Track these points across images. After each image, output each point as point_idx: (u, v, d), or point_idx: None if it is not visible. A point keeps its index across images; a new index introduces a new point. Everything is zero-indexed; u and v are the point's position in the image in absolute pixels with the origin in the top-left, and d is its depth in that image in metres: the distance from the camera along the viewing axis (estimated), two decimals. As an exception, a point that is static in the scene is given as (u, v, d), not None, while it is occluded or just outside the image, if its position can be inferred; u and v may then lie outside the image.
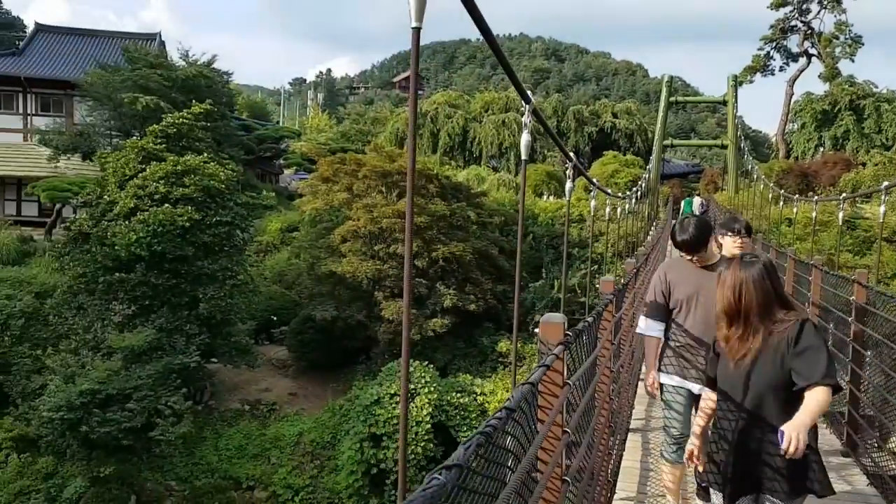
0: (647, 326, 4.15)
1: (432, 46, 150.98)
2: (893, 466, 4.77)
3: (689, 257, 4.02)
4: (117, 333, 16.25)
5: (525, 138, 3.25)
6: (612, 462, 4.39)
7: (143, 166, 18.54)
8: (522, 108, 3.69)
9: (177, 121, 20.59)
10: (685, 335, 4.03)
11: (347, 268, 19.35)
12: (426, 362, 17.16)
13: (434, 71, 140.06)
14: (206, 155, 19.49)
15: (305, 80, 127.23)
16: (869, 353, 5.69)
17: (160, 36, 38.52)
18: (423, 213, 20.00)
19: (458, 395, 16.46)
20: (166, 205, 17.33)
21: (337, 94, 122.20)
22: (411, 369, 16.29)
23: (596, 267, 19.71)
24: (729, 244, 4.48)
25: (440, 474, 0.92)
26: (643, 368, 4.24)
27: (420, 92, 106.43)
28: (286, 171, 46.89)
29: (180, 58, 33.35)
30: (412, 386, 15.93)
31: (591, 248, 11.69)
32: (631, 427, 5.66)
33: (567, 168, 5.80)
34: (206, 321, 17.80)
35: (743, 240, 4.52)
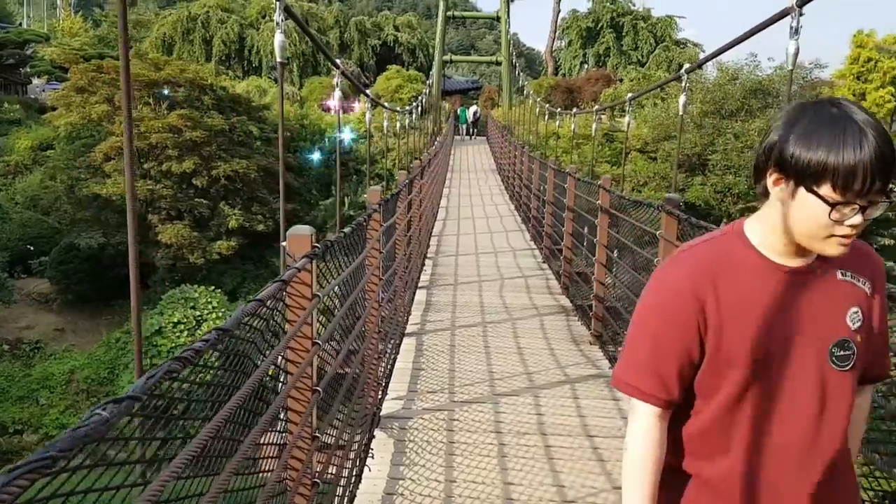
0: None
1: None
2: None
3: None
4: None
5: (279, 38, 3.09)
6: (384, 365, 4.60)
7: None
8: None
9: None
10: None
11: (113, 189, 17.67)
12: (212, 287, 16.48)
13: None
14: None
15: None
16: (615, 252, 6.10)
17: None
18: (198, 128, 18.69)
19: (249, 317, 16.10)
20: None
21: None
22: (196, 295, 15.61)
23: (384, 183, 19.93)
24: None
25: (105, 409, 0.84)
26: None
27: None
28: (35, 81, 40.82)
29: None
30: (198, 313, 15.32)
31: (368, 164, 11.71)
32: (406, 332, 5.96)
33: (338, 78, 5.67)
34: (-59, 256, 15.53)
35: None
